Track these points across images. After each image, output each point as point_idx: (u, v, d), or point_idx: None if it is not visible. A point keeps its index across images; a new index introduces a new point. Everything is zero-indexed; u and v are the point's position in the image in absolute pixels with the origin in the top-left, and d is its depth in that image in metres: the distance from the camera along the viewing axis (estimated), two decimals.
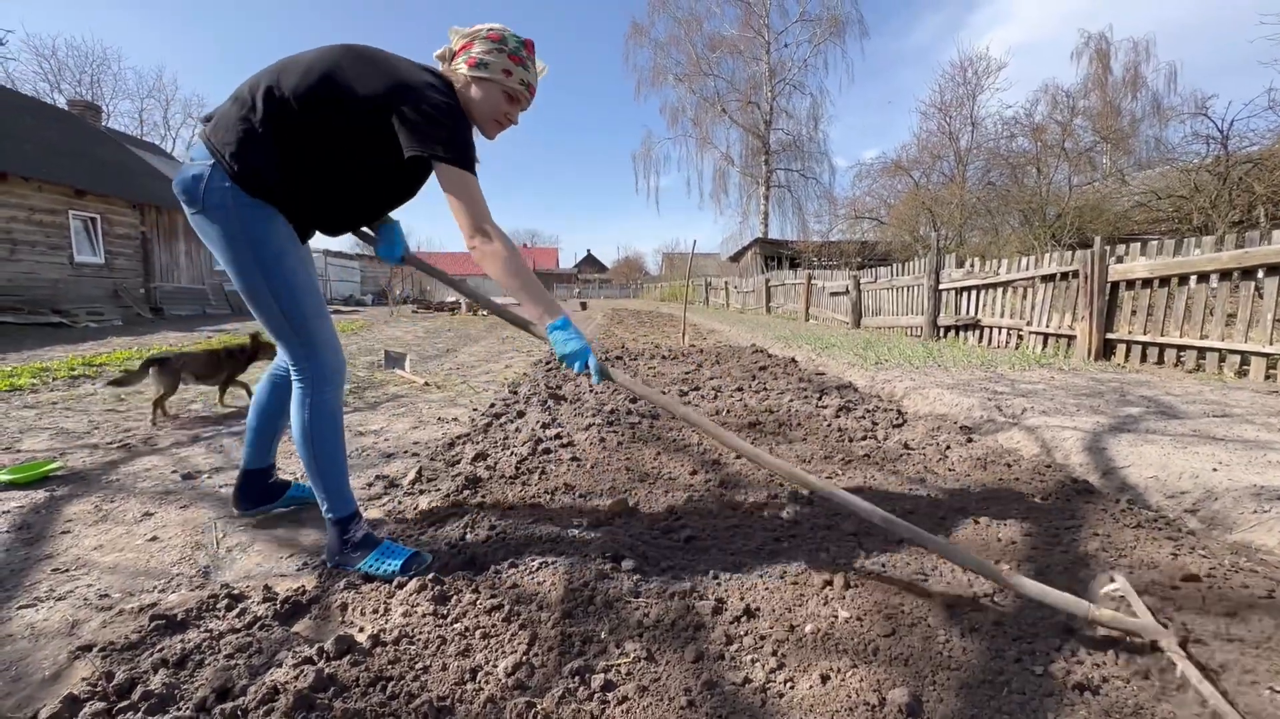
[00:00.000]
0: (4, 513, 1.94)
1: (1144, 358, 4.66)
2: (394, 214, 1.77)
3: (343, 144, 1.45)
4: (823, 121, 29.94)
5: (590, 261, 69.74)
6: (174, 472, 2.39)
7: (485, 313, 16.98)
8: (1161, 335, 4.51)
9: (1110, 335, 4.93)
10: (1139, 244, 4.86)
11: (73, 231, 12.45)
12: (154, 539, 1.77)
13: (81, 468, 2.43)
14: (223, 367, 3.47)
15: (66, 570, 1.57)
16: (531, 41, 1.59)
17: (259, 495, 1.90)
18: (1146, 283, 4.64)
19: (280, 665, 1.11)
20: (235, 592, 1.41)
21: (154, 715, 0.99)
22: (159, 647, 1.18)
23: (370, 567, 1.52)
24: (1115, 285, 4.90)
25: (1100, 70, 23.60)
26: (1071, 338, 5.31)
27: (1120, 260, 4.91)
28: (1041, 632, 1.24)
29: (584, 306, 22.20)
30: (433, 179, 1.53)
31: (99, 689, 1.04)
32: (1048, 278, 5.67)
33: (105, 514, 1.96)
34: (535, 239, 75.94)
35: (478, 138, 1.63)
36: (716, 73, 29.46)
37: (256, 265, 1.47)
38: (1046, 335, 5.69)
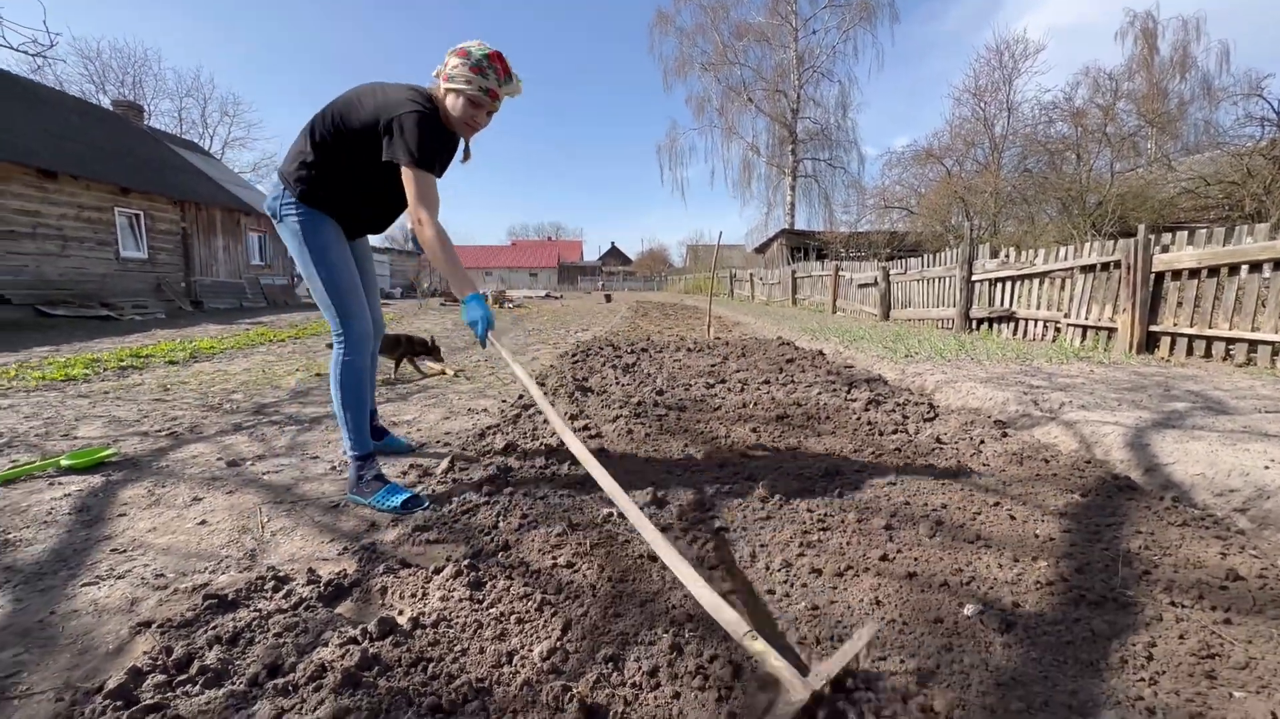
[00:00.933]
0: (65, 496, 2.05)
1: (1189, 351, 4.48)
2: None
3: (364, 161, 1.88)
4: (851, 109, 29.35)
5: (614, 254, 69.74)
6: (219, 459, 2.49)
7: (511, 306, 17.16)
8: (1209, 328, 4.33)
9: (1154, 328, 4.75)
10: (1186, 233, 4.66)
11: (118, 228, 12.97)
12: (203, 523, 1.85)
13: (134, 454, 2.54)
14: (399, 346, 4.46)
15: (124, 551, 1.65)
16: (497, 53, 1.87)
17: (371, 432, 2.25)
18: (1194, 273, 4.46)
19: (326, 645, 1.16)
20: (281, 573, 1.47)
21: (211, 689, 1.04)
22: (212, 624, 1.24)
23: (378, 500, 1.91)
24: (1160, 276, 4.71)
25: (1146, 51, 22.55)
26: (1112, 330, 5.14)
27: (1165, 250, 4.72)
28: None
29: (609, 299, 22.23)
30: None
31: (159, 663, 1.10)
32: (1087, 268, 5.49)
33: (157, 498, 2.05)
34: (560, 232, 76.25)
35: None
36: (743, 61, 29.04)
37: (310, 254, 1.95)
38: (1085, 328, 5.51)
